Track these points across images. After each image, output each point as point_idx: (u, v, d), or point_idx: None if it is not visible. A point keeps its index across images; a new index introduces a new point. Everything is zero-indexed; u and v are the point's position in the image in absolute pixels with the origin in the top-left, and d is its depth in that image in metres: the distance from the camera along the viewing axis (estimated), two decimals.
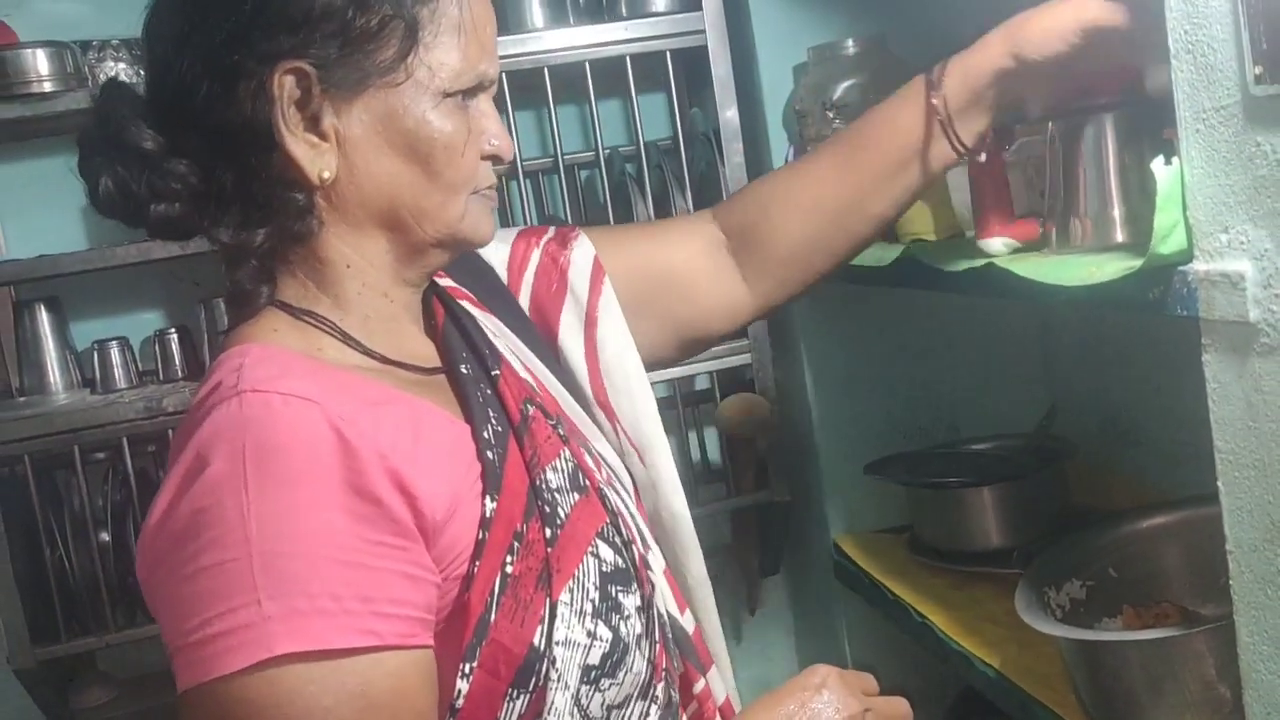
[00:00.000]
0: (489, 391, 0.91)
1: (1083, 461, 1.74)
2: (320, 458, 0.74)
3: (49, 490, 1.87)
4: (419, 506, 0.77)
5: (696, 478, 2.06)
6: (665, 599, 0.97)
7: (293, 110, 0.83)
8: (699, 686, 0.97)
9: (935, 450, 1.84)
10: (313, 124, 0.83)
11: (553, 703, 0.82)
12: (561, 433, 0.94)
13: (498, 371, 0.93)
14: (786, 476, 1.94)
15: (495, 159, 0.91)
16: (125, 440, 1.82)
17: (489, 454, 0.85)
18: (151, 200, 0.85)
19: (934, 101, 1.05)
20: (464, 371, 0.91)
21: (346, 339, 0.87)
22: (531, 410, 0.92)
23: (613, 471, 1.01)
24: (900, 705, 0.96)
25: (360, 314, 0.88)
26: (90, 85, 1.80)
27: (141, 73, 1.87)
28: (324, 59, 0.82)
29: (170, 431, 1.81)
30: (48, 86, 1.74)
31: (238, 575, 0.71)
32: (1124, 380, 1.73)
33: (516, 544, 0.83)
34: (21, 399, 1.92)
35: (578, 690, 0.83)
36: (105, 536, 1.85)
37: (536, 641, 0.82)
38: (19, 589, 1.76)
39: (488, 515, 0.82)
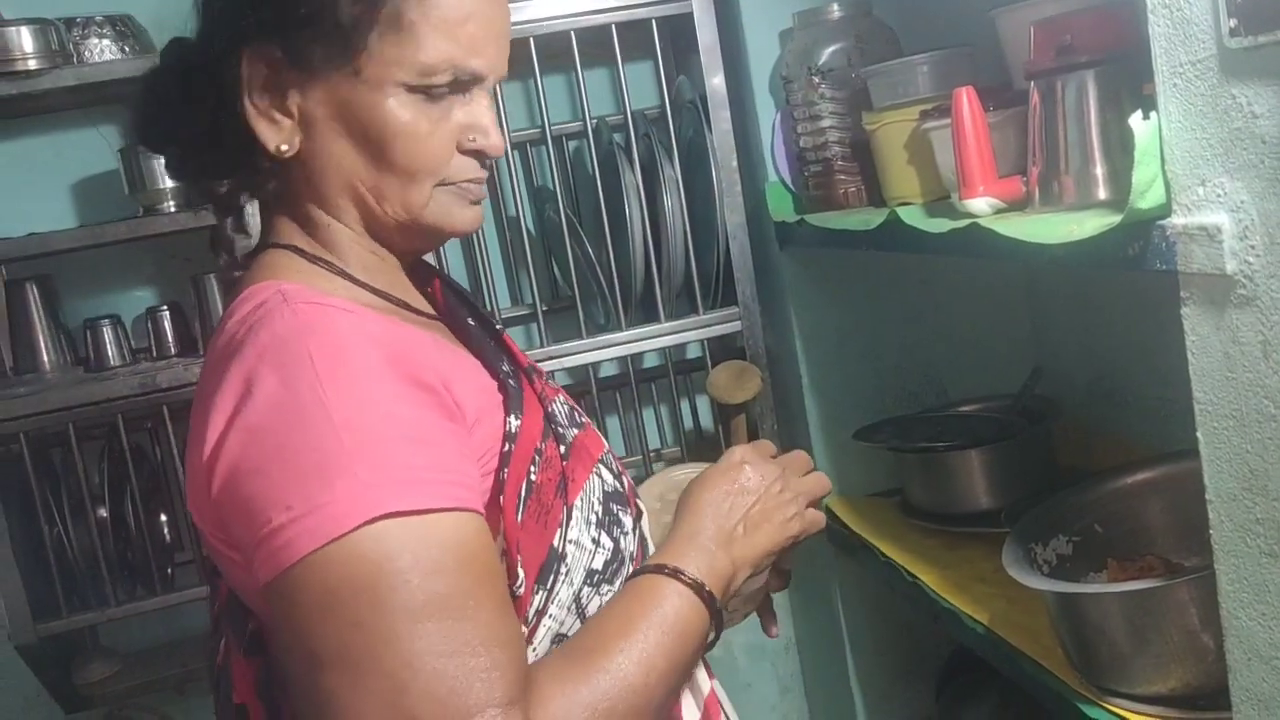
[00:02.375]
0: (493, 343, 0.99)
1: (1070, 422, 1.76)
2: (377, 356, 0.81)
3: (46, 468, 1.88)
4: (459, 400, 0.84)
5: (688, 445, 2.07)
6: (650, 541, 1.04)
7: (261, 87, 0.88)
8: None
9: (924, 414, 1.86)
10: (280, 101, 0.89)
11: (558, 594, 0.89)
12: (554, 384, 1.04)
13: (500, 327, 1.03)
14: (778, 443, 1.96)
15: (479, 154, 0.93)
16: (120, 417, 1.82)
17: (510, 382, 0.92)
18: (172, 143, 0.95)
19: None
20: (470, 324, 1.00)
21: (357, 282, 0.92)
22: (527, 364, 1.01)
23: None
24: (801, 456, 1.08)
25: (360, 264, 0.94)
26: (76, 63, 1.79)
27: (126, 50, 1.87)
28: (290, 42, 0.87)
29: (164, 408, 1.82)
30: (32, 64, 1.73)
31: (331, 453, 0.76)
32: (1110, 341, 1.74)
33: (538, 457, 0.90)
34: (14, 378, 1.93)
35: (579, 590, 0.90)
36: (103, 513, 1.86)
37: (556, 543, 0.90)
38: (19, 566, 1.77)
39: (512, 430, 0.89)
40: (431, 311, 1.00)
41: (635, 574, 0.93)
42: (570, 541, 0.90)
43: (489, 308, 1.96)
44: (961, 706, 1.80)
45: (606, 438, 1.08)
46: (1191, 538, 1.26)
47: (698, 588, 0.91)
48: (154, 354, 1.93)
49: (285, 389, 0.78)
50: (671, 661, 0.87)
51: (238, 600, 0.88)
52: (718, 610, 0.93)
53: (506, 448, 0.88)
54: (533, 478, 0.89)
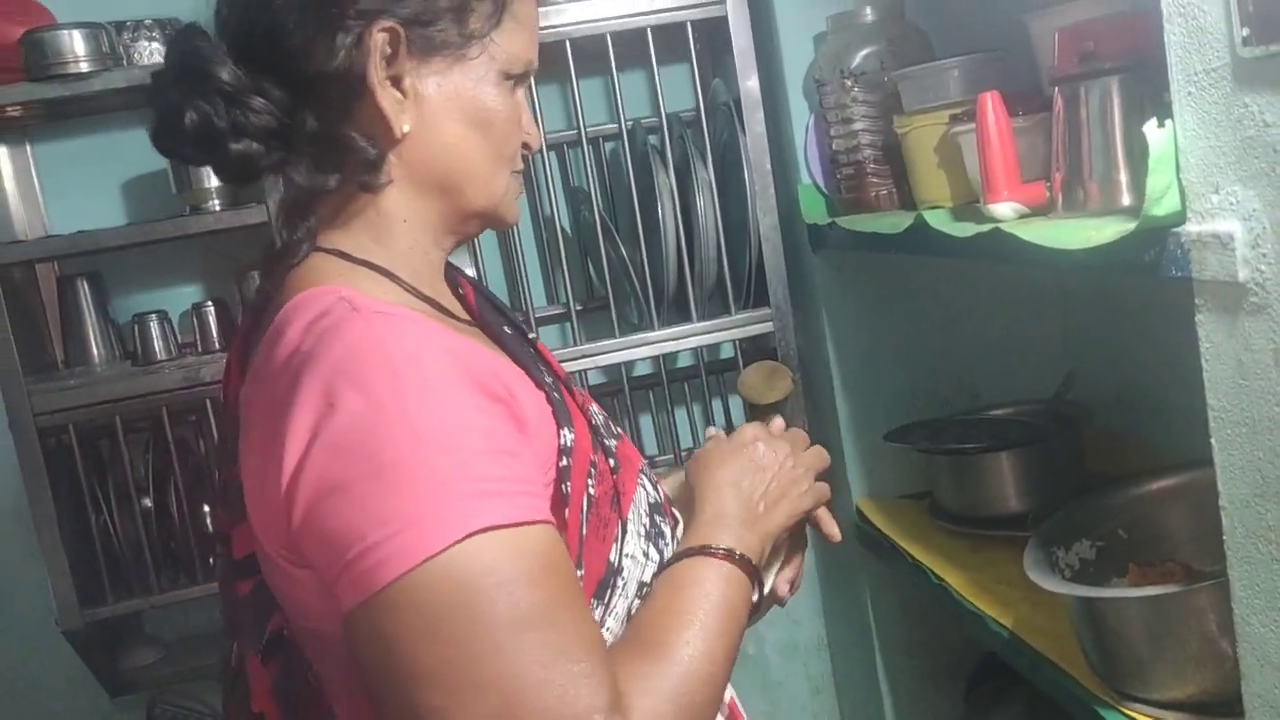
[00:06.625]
0: (530, 351, 0.98)
1: (1100, 428, 1.75)
2: (451, 367, 0.80)
3: (94, 459, 1.94)
4: (523, 409, 0.83)
5: None
6: None
7: (382, 65, 0.87)
8: None
9: (954, 417, 1.86)
10: (395, 81, 0.88)
11: (615, 608, 0.90)
12: (584, 393, 1.04)
13: (534, 335, 1.03)
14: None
15: (525, 146, 0.97)
16: (165, 410, 1.88)
17: (554, 394, 0.90)
18: (233, 136, 0.87)
19: None
20: (506, 331, 0.99)
21: (403, 285, 0.90)
22: (565, 375, 1.00)
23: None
24: (801, 434, 1.10)
25: (409, 267, 0.92)
26: (125, 65, 1.84)
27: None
28: (415, 21, 0.87)
29: (208, 401, 1.87)
30: (84, 67, 1.78)
31: (420, 469, 0.74)
32: (1141, 347, 1.73)
33: (593, 470, 0.90)
34: (64, 371, 1.99)
35: (632, 603, 0.91)
36: (148, 502, 1.92)
37: (613, 557, 0.90)
38: (66, 553, 1.83)
39: (567, 444, 0.87)
40: (467, 317, 0.99)
41: (674, 559, 0.93)
42: (626, 555, 0.91)
43: (524, 307, 1.99)
44: (990, 709, 1.79)
45: (640, 437, 1.09)
46: (1215, 545, 1.25)
47: (740, 560, 0.93)
48: (199, 349, 1.99)
49: (368, 404, 0.75)
50: (728, 643, 0.88)
51: (254, 603, 0.87)
52: (760, 580, 0.95)
53: (564, 462, 0.86)
54: (591, 491, 0.89)
